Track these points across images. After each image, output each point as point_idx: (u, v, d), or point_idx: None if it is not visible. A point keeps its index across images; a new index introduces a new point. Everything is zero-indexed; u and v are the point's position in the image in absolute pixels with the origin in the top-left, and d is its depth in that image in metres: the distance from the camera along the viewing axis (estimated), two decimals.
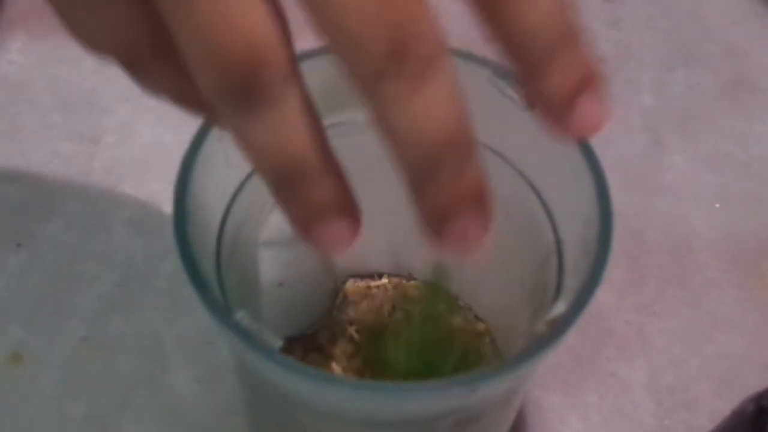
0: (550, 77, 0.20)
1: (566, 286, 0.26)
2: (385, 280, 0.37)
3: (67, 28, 0.22)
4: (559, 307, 0.24)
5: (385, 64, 0.18)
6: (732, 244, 0.41)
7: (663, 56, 0.48)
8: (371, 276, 0.37)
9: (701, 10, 0.50)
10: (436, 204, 0.20)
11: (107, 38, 0.21)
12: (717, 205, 0.42)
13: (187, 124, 0.27)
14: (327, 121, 0.30)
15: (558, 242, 0.28)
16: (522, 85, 0.21)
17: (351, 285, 0.37)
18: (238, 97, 0.19)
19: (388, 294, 0.37)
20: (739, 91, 0.46)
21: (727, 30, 0.49)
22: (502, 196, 0.30)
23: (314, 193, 0.21)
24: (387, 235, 0.35)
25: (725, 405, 0.33)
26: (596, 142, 0.26)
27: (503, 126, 0.28)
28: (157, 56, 0.21)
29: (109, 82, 0.45)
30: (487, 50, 0.27)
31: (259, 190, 0.29)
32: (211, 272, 0.26)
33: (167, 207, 0.24)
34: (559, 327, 0.23)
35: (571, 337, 0.23)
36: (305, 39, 0.50)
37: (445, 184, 0.20)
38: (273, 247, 0.32)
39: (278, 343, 0.23)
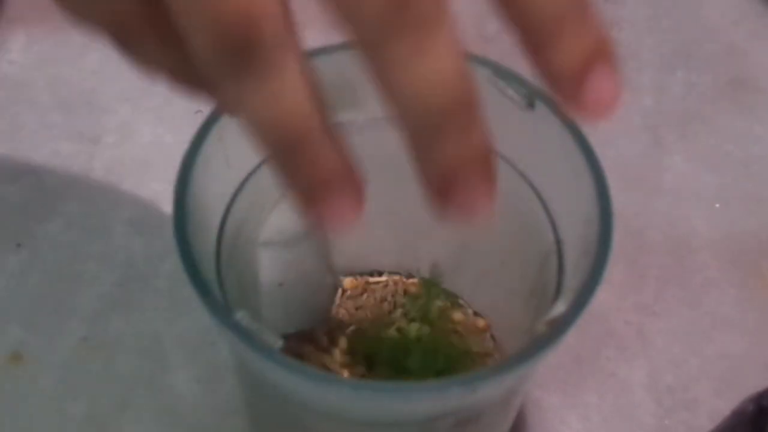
0: (559, 48, 0.20)
1: (566, 286, 0.26)
2: (384, 278, 0.37)
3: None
4: (559, 307, 0.24)
5: (386, 17, 0.18)
6: (732, 244, 0.41)
7: (663, 56, 0.48)
8: (371, 274, 0.37)
9: (701, 10, 0.50)
10: (441, 166, 0.20)
11: (95, 7, 0.21)
12: (717, 205, 0.42)
13: (187, 124, 0.27)
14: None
15: (558, 242, 0.28)
16: (532, 62, 0.20)
17: (349, 281, 0.37)
18: (234, 61, 0.19)
19: (387, 290, 0.37)
20: (739, 91, 0.46)
21: (727, 30, 0.49)
22: (502, 196, 0.30)
23: (317, 163, 0.20)
24: (386, 234, 0.35)
25: (725, 405, 0.33)
26: (596, 142, 0.26)
27: (503, 126, 0.28)
28: (147, 26, 0.21)
29: (109, 82, 0.45)
30: (487, 50, 0.27)
31: (259, 190, 0.30)
32: (211, 272, 0.26)
33: (167, 207, 0.24)
34: (559, 327, 0.23)
35: (571, 337, 0.23)
36: (305, 39, 0.50)
37: (451, 145, 0.20)
38: (273, 247, 0.32)
39: (278, 343, 0.23)
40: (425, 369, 0.33)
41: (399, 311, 0.36)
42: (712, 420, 0.34)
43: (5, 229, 0.40)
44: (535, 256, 0.29)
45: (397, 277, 0.37)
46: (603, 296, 0.25)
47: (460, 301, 0.36)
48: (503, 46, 0.53)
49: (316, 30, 0.53)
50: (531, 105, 0.27)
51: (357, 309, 0.36)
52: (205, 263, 0.25)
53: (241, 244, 0.29)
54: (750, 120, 0.45)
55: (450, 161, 0.20)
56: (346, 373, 0.34)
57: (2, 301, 0.38)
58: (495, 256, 0.33)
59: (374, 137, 0.31)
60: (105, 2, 0.21)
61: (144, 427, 0.35)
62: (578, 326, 0.23)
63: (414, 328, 0.34)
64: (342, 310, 0.36)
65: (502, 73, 0.27)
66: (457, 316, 0.36)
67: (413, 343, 0.33)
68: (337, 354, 0.35)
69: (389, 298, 0.36)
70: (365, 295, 0.37)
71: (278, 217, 0.31)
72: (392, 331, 0.34)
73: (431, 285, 0.35)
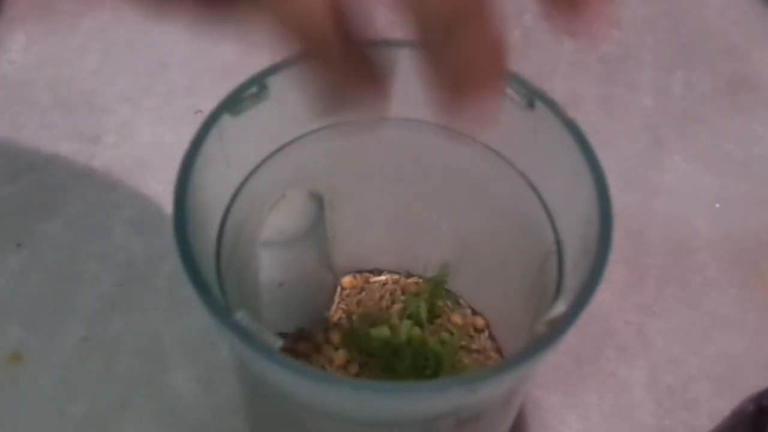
0: None
1: (566, 286, 0.26)
2: (383, 277, 0.37)
3: None
4: (559, 307, 0.24)
5: None
6: (732, 244, 0.41)
7: (663, 56, 0.48)
8: (371, 273, 0.37)
9: (701, 10, 0.50)
10: (453, 67, 0.19)
11: None
12: (717, 205, 0.42)
13: (187, 124, 0.27)
14: (327, 121, 0.30)
15: (558, 242, 0.28)
16: None
17: (349, 280, 0.37)
18: None
19: (386, 289, 0.37)
20: (739, 91, 0.46)
21: (727, 30, 0.49)
22: (502, 196, 0.30)
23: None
24: (386, 234, 0.35)
25: (725, 405, 0.33)
26: (596, 142, 0.26)
27: (503, 126, 0.28)
28: None
29: (109, 82, 0.45)
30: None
31: (259, 190, 0.30)
32: (211, 272, 0.26)
33: (167, 207, 0.24)
34: (559, 327, 0.23)
35: (571, 337, 0.23)
36: None
37: (465, 46, 0.19)
38: (273, 247, 0.32)
39: (278, 343, 0.23)
40: (414, 372, 0.33)
41: (396, 307, 0.36)
42: (712, 420, 0.34)
43: (5, 229, 0.40)
44: (535, 256, 0.29)
45: (396, 277, 0.37)
46: (603, 296, 0.25)
47: (460, 301, 0.36)
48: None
49: None
50: (531, 105, 0.27)
51: (356, 307, 0.36)
52: (205, 263, 0.25)
53: (241, 244, 0.29)
54: (750, 120, 0.45)
55: (462, 63, 0.19)
56: (340, 373, 0.34)
57: (2, 301, 0.38)
58: (495, 256, 0.33)
59: (374, 137, 0.31)
60: None
61: (144, 427, 0.35)
62: (578, 326, 0.23)
63: (406, 326, 0.34)
64: (340, 309, 0.36)
65: None
66: (455, 317, 0.36)
67: (403, 345, 0.33)
68: (332, 353, 0.35)
69: (388, 296, 0.36)
70: (364, 294, 0.37)
71: (278, 217, 0.31)
72: (385, 329, 0.34)
73: (436, 284, 0.35)
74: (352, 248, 0.36)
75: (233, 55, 0.46)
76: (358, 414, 0.25)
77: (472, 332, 0.36)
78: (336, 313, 0.36)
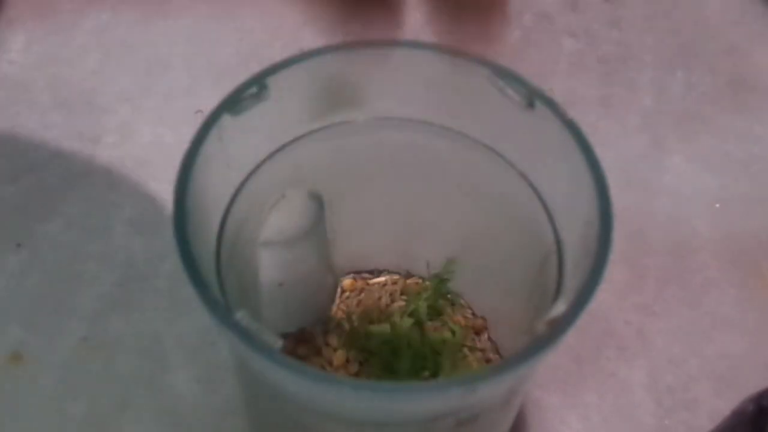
0: None
1: (566, 286, 0.26)
2: (383, 278, 0.37)
3: None
4: (559, 307, 0.24)
5: None
6: (732, 244, 0.41)
7: (663, 56, 0.48)
8: (371, 274, 0.37)
9: (701, 10, 0.50)
10: None
11: None
12: (717, 205, 0.42)
13: (187, 124, 0.27)
14: (327, 121, 0.30)
15: (558, 242, 0.28)
16: None
17: (349, 281, 0.37)
18: None
19: (385, 289, 0.37)
20: (739, 91, 0.46)
21: (727, 30, 0.49)
22: (502, 196, 0.30)
23: None
24: (386, 234, 0.35)
25: (725, 405, 0.33)
26: (596, 142, 0.26)
27: (503, 126, 0.28)
28: None
29: (109, 82, 0.45)
30: (487, 50, 0.27)
31: (259, 190, 0.30)
32: (211, 272, 0.26)
33: (167, 207, 0.24)
34: (559, 327, 0.23)
35: (571, 337, 0.23)
36: (305, 39, 0.50)
37: None
38: (273, 247, 0.32)
39: (278, 343, 0.23)
40: (413, 371, 0.33)
41: (396, 306, 0.36)
42: (712, 420, 0.34)
43: (5, 229, 0.40)
44: (535, 256, 0.29)
45: (396, 277, 0.37)
46: (603, 296, 0.25)
47: (461, 301, 0.36)
48: (503, 46, 0.53)
49: (316, 30, 0.53)
50: (531, 105, 0.27)
51: (356, 307, 0.36)
52: (205, 263, 0.25)
53: (241, 244, 0.29)
54: (750, 120, 0.45)
55: None
56: (340, 373, 0.34)
57: (2, 301, 0.38)
58: (495, 256, 0.33)
59: (374, 137, 0.31)
60: None
61: (144, 427, 0.35)
62: (578, 326, 0.23)
63: (406, 323, 0.34)
64: (341, 309, 0.36)
65: (502, 73, 0.27)
66: (457, 316, 0.36)
67: (403, 344, 0.33)
68: (332, 353, 0.35)
69: (387, 297, 0.36)
70: (363, 294, 0.37)
71: (278, 217, 0.31)
72: (385, 327, 0.34)
73: (440, 281, 0.35)
74: (352, 248, 0.36)
75: (233, 55, 0.46)
76: (358, 414, 0.25)
77: (472, 334, 0.36)
78: (336, 313, 0.36)
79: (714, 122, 0.45)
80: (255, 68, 0.27)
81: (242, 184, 0.29)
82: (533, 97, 0.27)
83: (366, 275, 0.37)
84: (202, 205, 0.26)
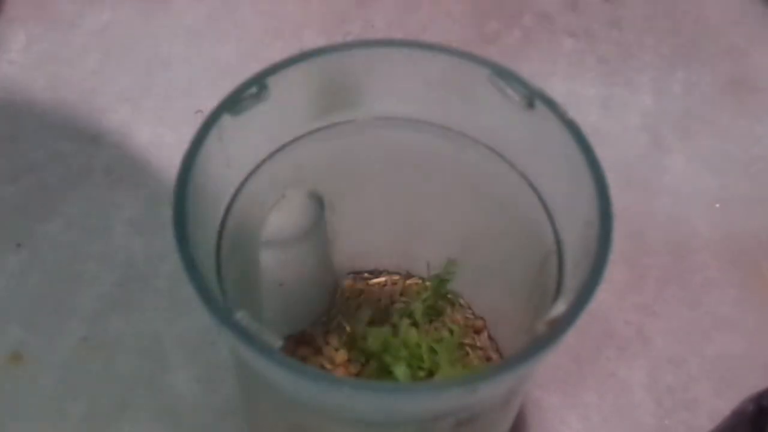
0: None
1: (566, 286, 0.26)
2: (383, 278, 0.37)
3: None
4: (559, 307, 0.24)
5: None
6: (732, 244, 0.41)
7: (663, 56, 0.48)
8: (371, 274, 0.37)
9: (701, 10, 0.50)
10: None
11: None
12: (717, 205, 0.42)
13: (187, 124, 0.27)
14: (327, 121, 0.30)
15: (558, 242, 0.28)
16: None
17: (349, 281, 0.37)
18: None
19: (385, 290, 0.37)
20: (739, 91, 0.46)
21: (727, 30, 0.49)
22: (502, 196, 0.30)
23: None
24: (386, 234, 0.35)
25: (725, 405, 0.33)
26: (596, 142, 0.26)
27: (503, 126, 0.28)
28: None
29: (109, 82, 0.45)
30: (487, 50, 0.27)
31: (259, 190, 0.30)
32: (211, 272, 0.26)
33: (167, 207, 0.24)
34: (559, 327, 0.23)
35: (571, 337, 0.23)
36: (305, 39, 0.50)
37: None
38: (273, 247, 0.32)
39: (278, 343, 0.23)
40: (410, 371, 0.33)
41: (396, 307, 0.36)
42: (712, 420, 0.34)
43: (5, 229, 0.40)
44: (535, 256, 0.29)
45: (396, 277, 0.37)
46: (603, 296, 0.25)
47: (461, 301, 0.36)
48: (503, 46, 0.53)
49: (316, 30, 0.53)
50: (531, 105, 0.27)
51: (356, 308, 0.36)
52: (205, 263, 0.25)
53: (241, 244, 0.29)
54: (750, 120, 0.45)
55: None
56: (340, 373, 0.34)
57: (2, 301, 0.38)
58: (495, 256, 0.33)
59: (374, 137, 0.31)
60: None
61: (144, 427, 0.35)
62: (578, 326, 0.23)
63: (403, 325, 0.34)
64: (340, 310, 0.36)
65: (502, 73, 0.27)
66: (456, 316, 0.36)
67: (400, 345, 0.33)
68: (332, 353, 0.35)
69: (387, 298, 0.36)
70: (363, 294, 0.37)
71: (278, 217, 0.31)
72: (383, 329, 0.34)
73: (440, 281, 0.35)
74: (352, 248, 0.36)
75: (233, 55, 0.46)
76: (358, 414, 0.25)
77: (472, 333, 0.36)
78: (336, 314, 0.36)
79: (714, 122, 0.45)
80: (255, 68, 0.27)
81: (242, 184, 0.29)
82: (533, 97, 0.27)
83: (366, 275, 0.37)
84: (202, 206, 0.26)
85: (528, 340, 0.25)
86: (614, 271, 0.38)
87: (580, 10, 0.49)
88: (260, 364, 0.23)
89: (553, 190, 0.28)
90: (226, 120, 0.26)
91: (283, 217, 0.31)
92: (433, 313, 0.35)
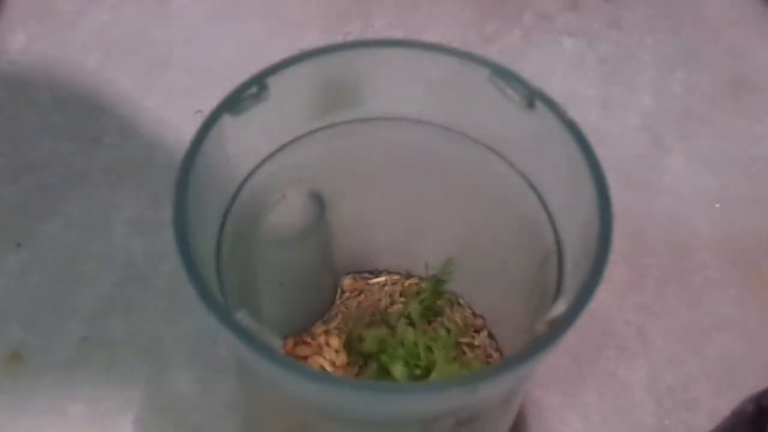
0: None
1: (566, 286, 0.26)
2: (383, 278, 0.37)
3: None
4: (559, 307, 0.24)
5: None
6: (732, 244, 0.41)
7: (663, 56, 0.48)
8: (371, 273, 0.37)
9: (701, 10, 0.50)
10: None
11: None
12: (717, 205, 0.42)
13: (187, 124, 0.27)
14: (327, 121, 0.30)
15: (558, 242, 0.28)
16: None
17: (349, 281, 0.37)
18: None
19: (385, 290, 0.37)
20: (739, 91, 0.46)
21: (727, 30, 0.49)
22: (502, 196, 0.30)
23: None
24: (386, 234, 0.35)
25: (725, 405, 0.33)
26: (596, 142, 0.26)
27: (503, 126, 0.28)
28: None
29: (109, 82, 0.45)
30: (487, 50, 0.27)
31: (259, 190, 0.30)
32: (211, 272, 0.26)
33: (167, 207, 0.24)
34: (559, 327, 0.23)
35: (571, 337, 0.23)
36: (305, 38, 0.50)
37: None
38: (273, 247, 0.32)
39: (278, 343, 0.23)
40: (407, 371, 0.33)
41: (395, 308, 0.36)
42: (712, 420, 0.34)
43: (5, 229, 0.40)
44: (535, 256, 0.29)
45: (396, 277, 0.37)
46: (603, 296, 0.25)
47: (460, 301, 0.36)
48: (503, 46, 0.53)
49: (316, 30, 0.53)
50: (531, 105, 0.27)
51: (355, 309, 0.36)
52: (205, 263, 0.25)
53: (241, 244, 0.29)
54: (750, 120, 0.45)
55: None
56: (340, 374, 0.34)
57: (2, 301, 0.38)
58: (495, 256, 0.33)
59: (374, 137, 0.31)
60: None
61: (144, 427, 0.35)
62: (578, 326, 0.23)
63: (401, 326, 0.34)
64: (340, 310, 0.36)
65: (502, 73, 0.27)
66: (455, 316, 0.36)
67: (397, 345, 0.33)
68: (332, 354, 0.35)
69: (387, 298, 0.36)
70: (363, 295, 0.37)
71: (278, 217, 0.31)
72: (381, 330, 0.34)
73: (437, 281, 0.35)
74: (352, 248, 0.36)
75: (233, 55, 0.46)
76: (358, 414, 0.25)
77: (471, 332, 0.36)
78: (336, 314, 0.36)
79: (714, 122, 0.45)
80: (255, 68, 0.27)
81: (242, 184, 0.29)
82: (533, 97, 0.27)
83: (366, 275, 0.37)
84: (202, 206, 0.26)
85: (528, 340, 0.25)
86: (614, 271, 0.38)
87: (580, 10, 0.49)
88: (260, 364, 0.23)
89: (553, 190, 0.28)
90: (226, 120, 0.26)
91: (283, 217, 0.31)
92: (432, 314, 0.35)
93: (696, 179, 0.43)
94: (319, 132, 0.30)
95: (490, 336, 0.36)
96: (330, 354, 0.35)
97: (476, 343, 0.35)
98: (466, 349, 0.35)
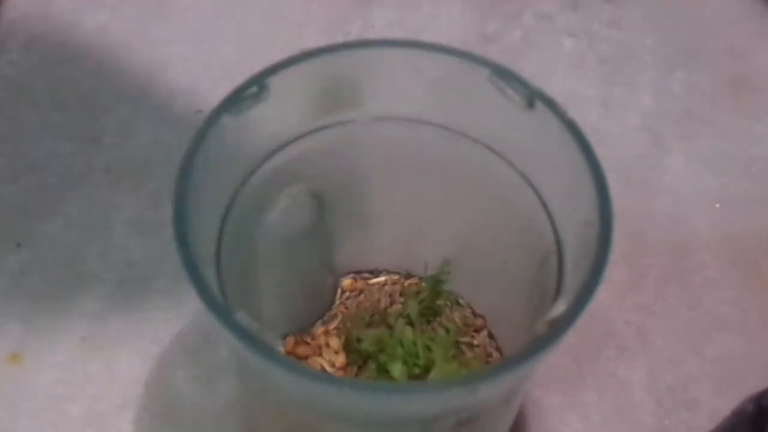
0: None
1: (566, 286, 0.26)
2: (383, 278, 0.37)
3: None
4: (559, 307, 0.24)
5: None
6: (732, 244, 0.41)
7: (663, 56, 0.48)
8: (371, 273, 0.37)
9: (701, 10, 0.50)
10: None
11: None
12: (717, 205, 0.42)
13: (187, 124, 0.27)
14: (327, 121, 0.30)
15: (558, 242, 0.28)
16: None
17: (349, 281, 0.37)
18: None
19: (385, 290, 0.37)
20: (739, 91, 0.46)
21: (727, 30, 0.49)
22: (502, 196, 0.30)
23: None
24: (386, 234, 0.35)
25: (725, 405, 0.33)
26: (596, 142, 0.26)
27: (503, 126, 0.28)
28: None
29: (109, 82, 0.45)
30: (487, 50, 0.27)
31: (260, 190, 0.30)
32: (211, 272, 0.26)
33: (167, 207, 0.24)
34: (559, 327, 0.23)
35: (571, 337, 0.23)
36: (305, 38, 0.50)
37: None
38: (273, 248, 0.32)
39: (278, 343, 0.23)
40: (406, 371, 0.33)
41: (395, 308, 0.36)
42: (712, 420, 0.34)
43: (5, 229, 0.40)
44: (535, 256, 0.29)
45: (396, 277, 0.37)
46: (603, 296, 0.25)
47: (460, 301, 0.36)
48: (503, 46, 0.53)
49: (316, 30, 0.53)
50: (531, 105, 0.27)
51: (355, 308, 0.36)
52: (205, 263, 0.25)
53: (241, 244, 0.29)
54: (750, 120, 0.45)
55: None
56: (340, 374, 0.34)
57: (2, 301, 0.38)
58: (495, 256, 0.33)
59: (374, 137, 0.31)
60: None
61: (144, 427, 0.35)
62: (578, 326, 0.23)
63: (399, 325, 0.34)
64: (340, 310, 0.36)
65: (502, 73, 0.27)
66: (455, 316, 0.36)
67: (396, 345, 0.33)
68: (332, 354, 0.35)
69: (387, 298, 0.36)
70: (363, 295, 0.37)
71: (278, 217, 0.31)
72: (380, 330, 0.34)
73: (436, 281, 0.35)
74: (352, 248, 0.36)
75: (233, 55, 0.46)
76: (358, 414, 0.25)
77: (471, 332, 0.36)
78: (336, 315, 0.36)
79: (714, 122, 0.45)
80: (255, 68, 0.27)
81: (242, 184, 0.29)
82: (533, 97, 0.27)
83: (366, 275, 0.37)
84: (202, 206, 0.26)
85: (528, 340, 0.25)
86: (614, 271, 0.38)
87: (580, 10, 0.49)
88: (260, 364, 0.23)
89: (553, 190, 0.28)
90: (226, 120, 0.26)
91: (283, 217, 0.31)
92: (431, 313, 0.35)
93: (696, 179, 0.43)
94: (319, 132, 0.30)
95: (490, 336, 0.36)
96: (329, 355, 0.35)
97: (476, 342, 0.35)
98: (465, 348, 0.35)
